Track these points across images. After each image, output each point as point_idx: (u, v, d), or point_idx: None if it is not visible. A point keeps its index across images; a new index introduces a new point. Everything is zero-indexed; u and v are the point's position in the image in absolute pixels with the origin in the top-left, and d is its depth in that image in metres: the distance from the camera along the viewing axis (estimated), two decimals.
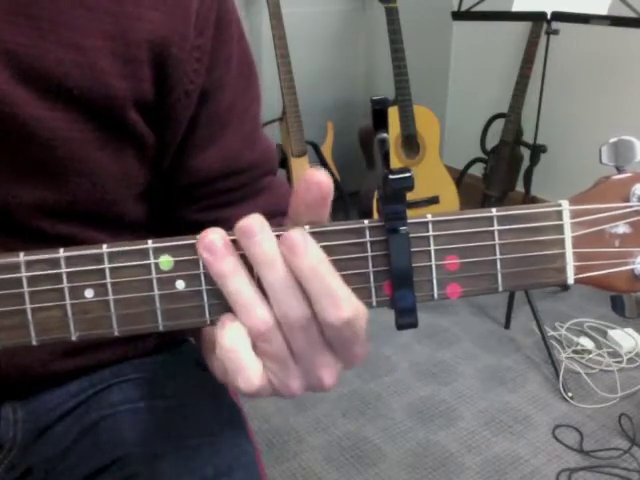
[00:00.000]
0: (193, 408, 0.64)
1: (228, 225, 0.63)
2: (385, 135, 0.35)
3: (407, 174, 0.34)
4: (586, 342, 1.93)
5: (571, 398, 1.72)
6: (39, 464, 0.61)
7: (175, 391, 0.65)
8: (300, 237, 0.35)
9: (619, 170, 0.38)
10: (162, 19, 0.53)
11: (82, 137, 0.53)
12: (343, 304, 0.35)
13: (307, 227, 0.37)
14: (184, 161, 0.61)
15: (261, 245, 0.36)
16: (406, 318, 0.36)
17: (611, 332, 1.96)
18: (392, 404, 1.73)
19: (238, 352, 0.36)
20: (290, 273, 0.36)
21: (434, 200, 2.21)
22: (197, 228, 0.64)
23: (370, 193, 2.18)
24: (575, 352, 1.90)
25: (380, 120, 0.36)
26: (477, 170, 2.43)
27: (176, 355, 0.71)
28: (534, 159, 2.00)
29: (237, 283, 0.36)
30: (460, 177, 2.43)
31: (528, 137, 2.15)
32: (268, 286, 0.36)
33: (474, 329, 2.05)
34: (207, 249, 0.36)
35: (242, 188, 0.64)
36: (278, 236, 0.36)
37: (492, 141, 2.36)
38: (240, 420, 0.67)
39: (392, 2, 2.13)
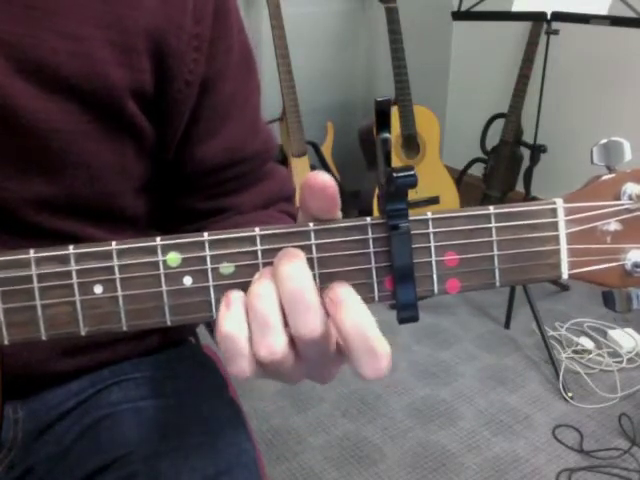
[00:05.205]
0: (193, 407, 0.64)
1: (231, 212, 0.64)
2: (387, 135, 0.36)
3: (411, 172, 0.35)
4: (586, 342, 1.93)
5: (571, 398, 1.72)
6: (39, 463, 0.60)
7: (175, 390, 0.65)
8: (346, 292, 0.36)
9: (610, 170, 0.39)
10: (158, 7, 0.53)
11: (79, 129, 0.53)
12: (382, 361, 0.35)
13: (311, 224, 0.37)
14: (188, 151, 0.61)
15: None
16: (407, 312, 0.37)
17: (611, 332, 1.96)
18: (392, 404, 1.73)
19: (236, 341, 0.36)
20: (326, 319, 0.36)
21: (434, 200, 2.21)
22: (201, 217, 0.66)
23: (370, 193, 2.18)
24: (575, 352, 1.90)
25: (383, 121, 0.36)
26: (477, 170, 2.43)
27: (176, 354, 0.70)
28: (534, 159, 2.00)
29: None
30: (460, 177, 2.43)
31: (528, 137, 2.15)
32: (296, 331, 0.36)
33: (474, 329, 2.06)
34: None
35: (245, 176, 0.65)
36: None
37: (492, 141, 2.36)
38: (240, 419, 0.67)
39: (392, 2, 2.13)
